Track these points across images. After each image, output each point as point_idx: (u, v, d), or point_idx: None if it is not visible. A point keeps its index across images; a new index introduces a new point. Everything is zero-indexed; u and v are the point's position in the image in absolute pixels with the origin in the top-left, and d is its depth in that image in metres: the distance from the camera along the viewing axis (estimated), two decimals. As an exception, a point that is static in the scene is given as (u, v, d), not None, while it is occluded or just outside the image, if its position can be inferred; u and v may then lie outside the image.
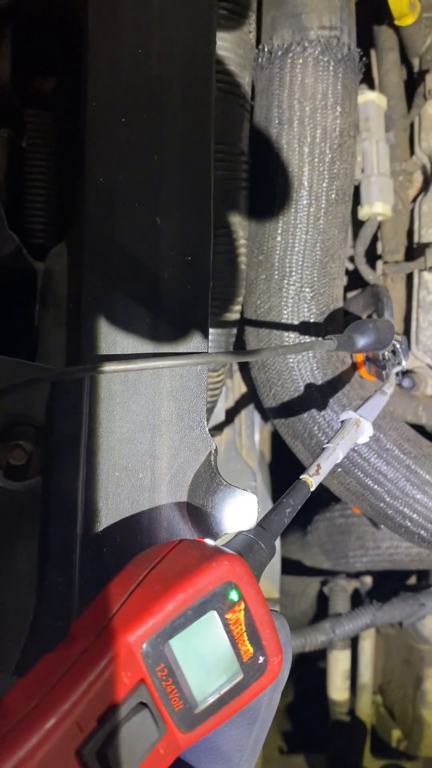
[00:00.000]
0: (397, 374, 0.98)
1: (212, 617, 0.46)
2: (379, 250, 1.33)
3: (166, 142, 0.66)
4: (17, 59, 0.79)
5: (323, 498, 1.41)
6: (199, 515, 0.63)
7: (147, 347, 0.65)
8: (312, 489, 0.61)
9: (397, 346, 0.94)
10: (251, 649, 0.48)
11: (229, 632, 0.47)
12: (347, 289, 1.40)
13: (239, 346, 1.10)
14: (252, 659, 0.48)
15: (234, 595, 0.47)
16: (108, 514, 0.65)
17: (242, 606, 0.47)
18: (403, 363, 0.93)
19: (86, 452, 0.65)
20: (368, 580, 1.73)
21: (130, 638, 0.45)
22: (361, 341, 0.81)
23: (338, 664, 1.68)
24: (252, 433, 1.24)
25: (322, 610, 1.85)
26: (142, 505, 0.64)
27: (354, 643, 1.75)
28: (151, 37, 0.67)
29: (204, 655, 0.47)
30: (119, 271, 0.65)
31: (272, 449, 1.49)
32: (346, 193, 1.01)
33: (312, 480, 0.61)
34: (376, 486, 1.03)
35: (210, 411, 1.04)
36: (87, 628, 0.47)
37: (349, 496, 1.07)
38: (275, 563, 1.20)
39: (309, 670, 1.83)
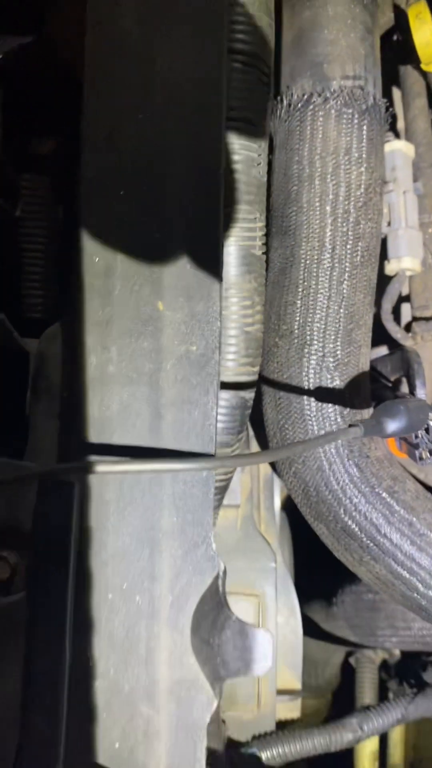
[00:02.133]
0: (429, 456, 0.89)
1: None
2: (407, 307, 1.25)
3: (169, 218, 0.59)
4: (11, 121, 0.73)
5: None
6: (205, 652, 0.54)
7: (147, 447, 0.57)
8: None
9: (431, 423, 0.85)
10: None
11: None
12: (373, 344, 1.31)
13: (258, 418, 1.01)
14: None
15: None
16: (100, 644, 0.56)
17: None
18: None
19: (75, 568, 0.56)
20: (397, 651, 1.61)
21: None
22: (392, 426, 0.72)
23: (365, 744, 1.56)
24: (272, 505, 1.15)
25: (347, 681, 1.73)
26: (139, 634, 0.56)
27: (383, 719, 1.63)
28: (154, 99, 0.60)
29: None
30: (117, 362, 0.57)
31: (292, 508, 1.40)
32: (372, 254, 0.93)
33: None
34: (408, 575, 0.92)
35: (224, 489, 0.95)
36: None
37: (379, 584, 0.97)
38: (297, 649, 1.10)
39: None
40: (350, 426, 0.70)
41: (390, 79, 1.29)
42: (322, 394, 0.90)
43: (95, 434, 0.57)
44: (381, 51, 1.25)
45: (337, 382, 0.91)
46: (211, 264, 0.58)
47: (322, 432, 0.91)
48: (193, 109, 0.60)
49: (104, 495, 0.56)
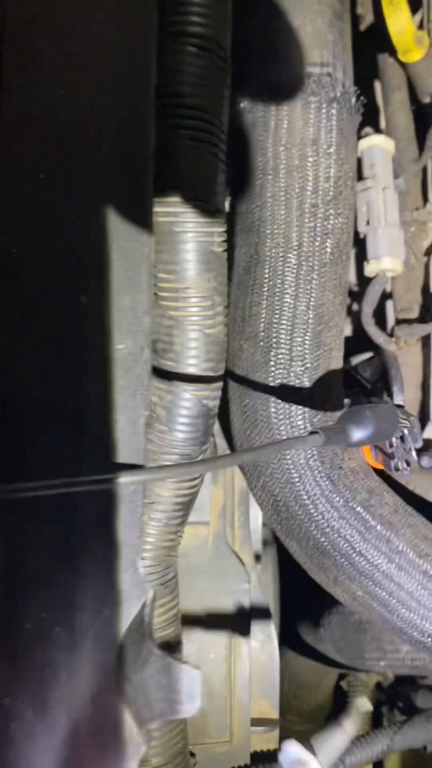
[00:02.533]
0: (408, 465, 0.83)
1: None
2: (390, 309, 1.19)
3: (93, 204, 0.53)
4: None
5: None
6: (128, 691, 0.48)
7: (67, 464, 0.51)
8: None
9: (405, 432, 0.78)
10: None
11: None
12: (360, 350, 1.25)
13: (225, 427, 0.95)
14: None
15: None
16: (15, 680, 0.50)
17: None
18: (413, 453, 0.77)
19: (-11, 596, 0.50)
20: (391, 673, 1.53)
21: None
22: (357, 434, 0.65)
23: (359, 773, 1.47)
24: (247, 522, 1.08)
25: (339, 706, 1.65)
26: (58, 670, 0.49)
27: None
28: (77, 76, 0.54)
29: None
30: (33, 366, 0.51)
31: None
32: (342, 251, 0.87)
33: None
34: (386, 596, 0.86)
35: (189, 505, 0.88)
36: None
37: (357, 606, 0.90)
38: (273, 676, 1.03)
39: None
40: (311, 433, 0.63)
41: (371, 73, 1.24)
42: (290, 401, 0.84)
43: (8, 445, 0.51)
44: (364, 46, 1.20)
45: (306, 388, 0.84)
46: (140, 254, 0.53)
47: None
48: (119, 87, 0.54)
49: (19, 517, 0.50)
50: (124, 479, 0.47)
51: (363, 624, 1.21)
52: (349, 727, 0.64)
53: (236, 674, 0.97)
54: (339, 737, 0.61)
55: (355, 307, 1.32)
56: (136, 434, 0.51)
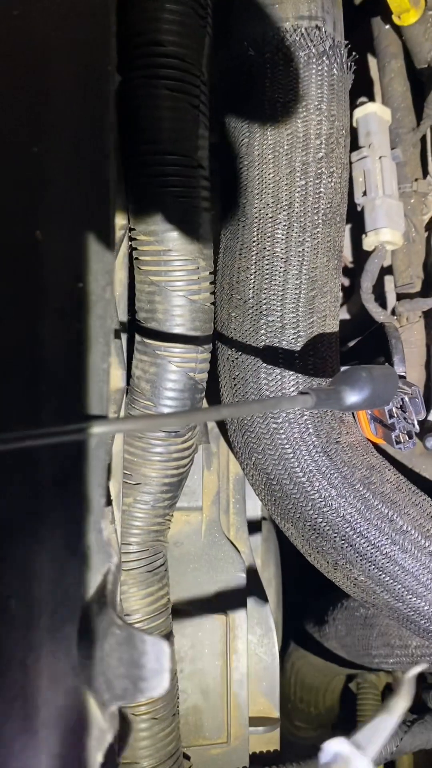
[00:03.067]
0: (410, 437, 0.77)
1: None
2: (390, 285, 1.13)
3: (50, 129, 0.48)
4: None
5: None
6: (88, 669, 0.42)
7: (24, 415, 0.46)
8: None
9: (406, 399, 0.72)
10: None
11: None
12: (355, 328, 1.20)
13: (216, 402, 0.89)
14: None
15: None
16: (-34, 661, 0.44)
17: None
18: (415, 423, 0.72)
19: None
20: (400, 673, 1.45)
21: None
22: (352, 396, 0.59)
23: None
24: (243, 508, 1.02)
25: (349, 708, 1.58)
26: (12, 648, 0.44)
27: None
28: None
29: None
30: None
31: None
32: (335, 213, 0.82)
33: None
34: (391, 581, 0.79)
35: (178, 486, 0.83)
36: None
37: (359, 593, 0.84)
38: (273, 672, 0.97)
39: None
40: (301, 393, 0.57)
41: (367, 43, 1.20)
42: (281, 372, 0.78)
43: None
44: (355, 11, 1.15)
45: (299, 357, 0.79)
46: (101, 185, 0.47)
47: (284, 414, 0.78)
48: (81, 15, 0.49)
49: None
50: (96, 429, 0.41)
51: (369, 619, 1.14)
52: (397, 706, 0.56)
53: (233, 670, 0.91)
54: (386, 725, 0.54)
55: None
56: (99, 381, 0.45)
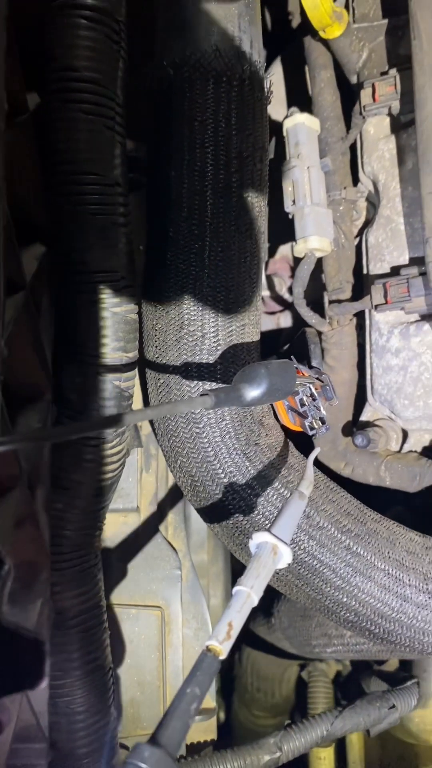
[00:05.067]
0: (323, 422, 0.81)
1: None
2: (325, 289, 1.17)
3: None
4: None
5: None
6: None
7: None
8: (223, 657, 0.48)
9: (312, 389, 0.77)
10: None
11: None
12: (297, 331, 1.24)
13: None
14: None
15: None
16: None
17: None
18: (322, 409, 0.76)
19: None
20: (349, 662, 1.51)
21: None
22: (251, 392, 0.64)
23: (320, 764, 1.46)
24: (182, 509, 1.06)
25: (304, 695, 1.63)
26: None
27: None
28: None
29: None
30: None
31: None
32: (253, 224, 0.86)
33: (222, 647, 0.48)
34: (309, 575, 0.84)
35: (109, 489, 0.86)
36: None
37: (282, 586, 0.89)
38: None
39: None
40: (201, 395, 0.61)
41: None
42: (204, 378, 0.83)
43: None
44: (288, 24, 1.19)
45: (219, 364, 0.83)
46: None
47: (206, 419, 0.83)
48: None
49: None
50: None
51: (308, 611, 1.19)
52: (307, 491, 0.66)
53: (168, 662, 0.95)
54: (298, 505, 0.63)
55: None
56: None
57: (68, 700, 0.84)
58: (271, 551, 0.59)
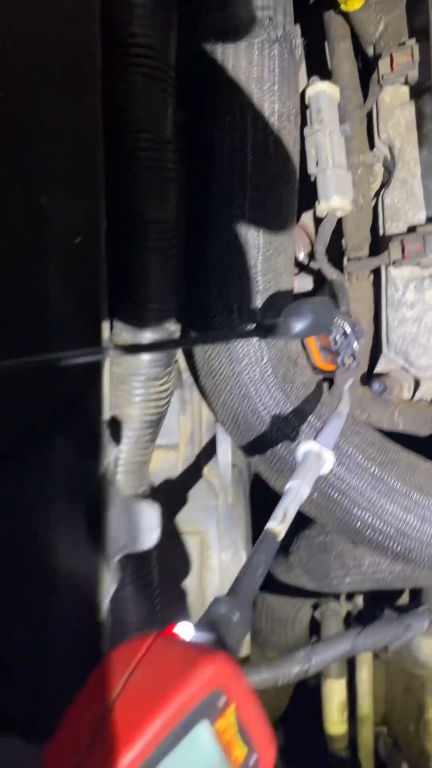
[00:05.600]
0: (354, 358, 0.90)
1: (201, 730, 0.42)
2: (344, 247, 1.26)
3: (46, 111, 0.59)
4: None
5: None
6: (96, 533, 0.55)
7: (34, 344, 0.58)
8: (280, 538, 0.57)
9: (346, 326, 0.86)
10: (243, 752, 0.44)
11: (219, 741, 0.43)
12: (317, 291, 1.33)
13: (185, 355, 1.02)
14: (245, 763, 0.44)
15: (222, 701, 0.43)
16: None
17: (231, 709, 0.43)
18: (355, 345, 0.85)
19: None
20: (361, 601, 1.62)
21: None
22: (298, 324, 0.73)
23: (333, 695, 1.57)
24: (214, 448, 1.16)
25: (317, 636, 1.74)
26: (33, 524, 0.56)
27: (351, 671, 1.64)
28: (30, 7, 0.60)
29: None
30: (3, 254, 0.58)
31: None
32: (288, 182, 0.94)
33: (280, 528, 0.57)
34: (340, 497, 0.94)
35: (157, 423, 0.95)
36: (62, 761, 0.42)
37: (313, 509, 0.98)
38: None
39: (305, 702, 1.71)
40: (255, 327, 0.70)
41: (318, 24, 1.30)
42: (244, 322, 0.91)
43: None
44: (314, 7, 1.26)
45: (259, 310, 0.91)
46: (91, 156, 0.59)
47: (248, 359, 0.91)
48: (68, 20, 0.60)
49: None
50: (96, 356, 0.54)
51: (327, 544, 1.29)
52: (345, 409, 0.75)
53: (207, 583, 1.05)
54: (337, 422, 0.72)
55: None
56: (96, 317, 0.57)
57: (121, 613, 0.93)
58: (316, 457, 0.68)
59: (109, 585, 0.55)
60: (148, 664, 0.44)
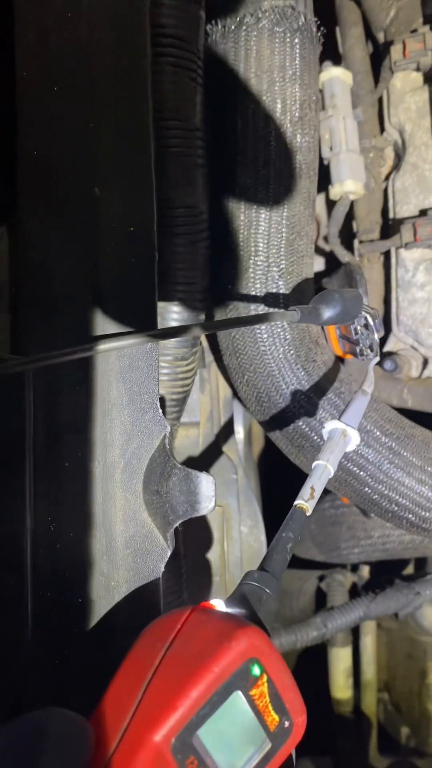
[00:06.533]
0: (372, 350, 0.94)
1: (237, 698, 0.45)
2: (355, 230, 1.29)
3: (100, 110, 0.62)
4: None
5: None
6: (155, 502, 0.59)
7: (91, 328, 0.61)
8: (309, 513, 0.60)
9: (369, 318, 0.90)
10: (277, 718, 0.47)
11: (254, 707, 0.46)
12: (328, 272, 1.37)
13: (208, 335, 1.06)
14: (278, 726, 0.47)
15: (256, 670, 0.46)
16: (59, 508, 0.61)
17: (265, 678, 0.47)
18: (376, 336, 0.89)
19: (33, 441, 0.61)
20: (365, 572, 1.68)
21: (156, 737, 0.42)
22: (327, 312, 0.76)
23: (339, 662, 1.64)
24: (231, 425, 1.20)
25: (321, 607, 1.80)
26: (95, 497, 0.60)
27: (356, 639, 1.71)
28: (80, 1, 0.63)
29: (232, 736, 0.45)
30: (59, 249, 0.61)
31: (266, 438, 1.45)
32: (309, 167, 0.97)
33: (308, 505, 0.60)
34: (358, 470, 0.98)
35: (182, 402, 0.99)
36: (108, 727, 0.45)
37: (332, 482, 1.03)
38: (261, 555, 1.16)
39: (311, 668, 1.78)
40: (288, 309, 0.74)
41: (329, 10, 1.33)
42: (269, 303, 0.95)
43: (42, 322, 0.61)
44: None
45: (282, 291, 0.95)
46: (143, 150, 0.62)
47: (271, 339, 0.95)
48: (117, 9, 0.63)
49: (55, 376, 0.60)
50: (142, 337, 0.57)
51: (338, 517, 1.35)
52: (369, 388, 0.79)
53: (229, 553, 1.10)
54: (362, 400, 0.76)
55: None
56: (150, 302, 0.61)
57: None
58: (342, 434, 0.72)
59: (162, 554, 0.59)
60: (186, 636, 0.48)
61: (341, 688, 1.66)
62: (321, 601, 1.81)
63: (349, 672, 1.66)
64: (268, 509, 1.49)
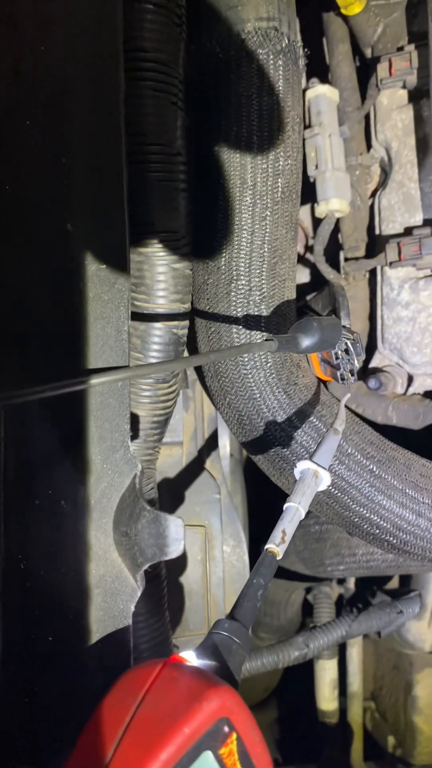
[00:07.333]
0: (353, 374, 0.94)
1: (207, 757, 0.45)
2: (341, 244, 1.29)
3: (73, 144, 0.62)
4: None
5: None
6: (124, 544, 0.59)
7: (63, 365, 0.61)
8: (279, 557, 0.60)
9: (349, 344, 0.89)
10: None
11: (222, 766, 0.46)
12: (312, 284, 1.36)
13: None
14: None
15: (226, 729, 0.46)
16: (29, 546, 0.60)
17: (234, 736, 0.46)
18: (356, 362, 0.89)
19: (2, 480, 0.60)
20: (352, 584, 1.68)
21: None
22: (306, 341, 0.76)
23: (325, 673, 1.64)
24: (215, 444, 1.20)
25: (308, 617, 1.81)
26: (66, 534, 0.60)
27: (342, 651, 1.71)
28: (54, 33, 0.62)
29: None
30: (30, 285, 0.60)
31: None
32: (292, 190, 0.97)
33: (279, 549, 0.60)
34: (340, 494, 0.98)
35: (164, 423, 0.99)
36: None
37: (313, 505, 1.03)
38: (244, 575, 1.16)
39: (298, 679, 1.78)
40: (266, 340, 0.73)
41: (316, 26, 1.32)
42: (250, 327, 0.95)
43: (12, 359, 0.61)
44: (311, 4, 1.28)
45: (264, 315, 0.95)
46: (115, 184, 0.62)
47: (252, 362, 0.95)
48: (91, 40, 0.63)
49: (26, 414, 0.60)
50: (116, 376, 0.57)
51: (323, 534, 1.35)
52: (341, 427, 0.79)
53: (211, 574, 1.10)
54: (334, 439, 0.76)
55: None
56: (121, 340, 0.61)
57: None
58: (313, 475, 0.71)
59: (132, 594, 0.59)
60: (157, 693, 0.47)
61: (327, 699, 1.66)
62: (308, 611, 1.81)
63: (335, 684, 1.67)
64: (257, 513, 1.49)
